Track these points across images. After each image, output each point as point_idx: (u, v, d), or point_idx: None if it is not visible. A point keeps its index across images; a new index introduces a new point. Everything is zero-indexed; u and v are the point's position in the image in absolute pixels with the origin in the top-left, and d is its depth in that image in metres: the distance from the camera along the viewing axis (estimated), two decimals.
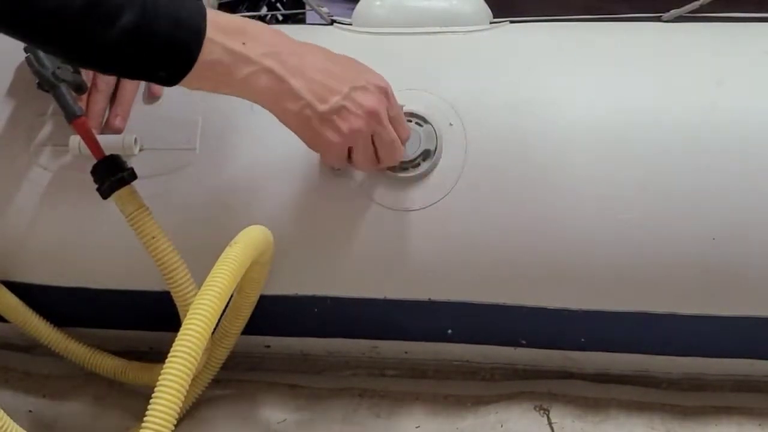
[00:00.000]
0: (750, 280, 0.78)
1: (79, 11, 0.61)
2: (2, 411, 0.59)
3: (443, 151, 0.81)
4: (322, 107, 0.71)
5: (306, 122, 0.71)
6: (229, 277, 0.67)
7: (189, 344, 0.61)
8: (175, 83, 0.67)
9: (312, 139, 0.73)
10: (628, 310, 0.81)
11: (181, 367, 0.60)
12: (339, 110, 0.72)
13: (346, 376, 0.92)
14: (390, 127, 0.75)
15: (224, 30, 0.67)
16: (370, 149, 0.75)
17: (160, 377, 0.60)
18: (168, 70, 0.66)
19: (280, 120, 0.73)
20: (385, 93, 0.75)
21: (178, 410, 0.59)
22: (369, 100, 0.73)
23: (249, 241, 0.72)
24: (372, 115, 0.73)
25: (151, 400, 0.59)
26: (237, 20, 0.69)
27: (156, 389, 0.60)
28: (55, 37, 0.63)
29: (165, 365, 0.61)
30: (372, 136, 0.75)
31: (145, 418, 0.58)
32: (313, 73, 0.71)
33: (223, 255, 0.69)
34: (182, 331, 0.62)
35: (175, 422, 0.59)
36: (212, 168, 0.84)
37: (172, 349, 0.61)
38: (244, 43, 0.68)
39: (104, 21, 0.62)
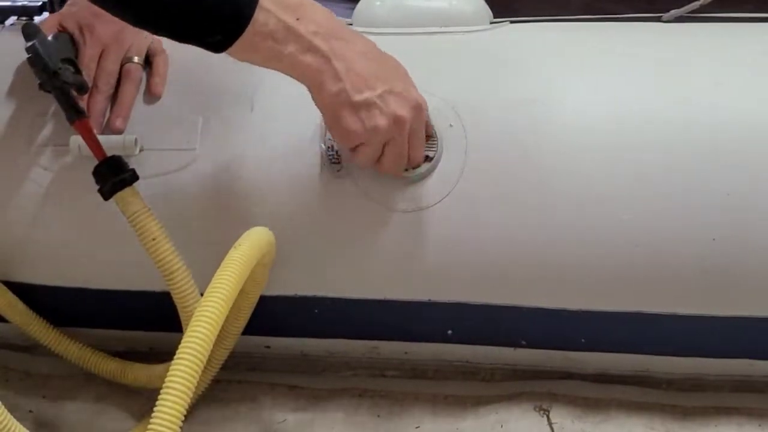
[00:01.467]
0: (750, 281, 0.79)
1: None
2: (5, 410, 0.59)
3: (443, 152, 0.81)
4: (356, 96, 0.72)
5: (337, 105, 0.72)
6: (235, 279, 0.67)
7: (196, 346, 0.61)
8: (226, 47, 0.68)
9: (334, 121, 0.74)
10: (628, 310, 0.81)
11: (188, 369, 0.60)
12: (369, 105, 0.72)
13: (346, 377, 0.92)
14: (406, 141, 0.76)
15: (279, 2, 0.68)
16: (378, 152, 0.76)
17: (167, 378, 0.60)
18: (222, 33, 0.67)
19: (314, 96, 0.73)
20: (417, 108, 0.75)
21: (184, 412, 0.59)
22: (400, 108, 0.74)
23: (253, 243, 0.72)
24: (397, 122, 0.74)
25: (158, 401, 0.59)
26: None
27: (162, 390, 0.60)
28: None
29: (172, 366, 0.61)
30: (387, 141, 0.75)
31: (151, 419, 0.58)
32: (357, 61, 0.72)
33: (228, 257, 0.69)
34: (189, 332, 0.62)
35: (180, 424, 0.59)
36: (212, 168, 0.84)
37: (178, 350, 0.61)
38: (297, 19, 0.69)
39: None
